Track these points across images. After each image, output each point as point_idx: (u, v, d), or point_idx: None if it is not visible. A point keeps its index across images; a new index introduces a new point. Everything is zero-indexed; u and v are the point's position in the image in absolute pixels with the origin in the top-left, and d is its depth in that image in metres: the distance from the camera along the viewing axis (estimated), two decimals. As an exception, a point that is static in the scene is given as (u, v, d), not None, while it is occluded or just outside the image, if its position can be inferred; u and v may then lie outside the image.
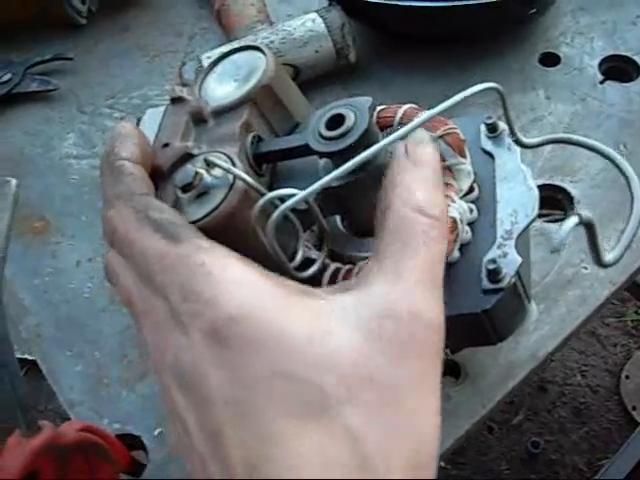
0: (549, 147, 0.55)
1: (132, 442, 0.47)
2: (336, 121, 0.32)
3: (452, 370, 0.46)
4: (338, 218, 0.37)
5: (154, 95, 0.66)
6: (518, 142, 0.35)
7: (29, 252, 0.57)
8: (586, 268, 0.49)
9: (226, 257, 0.27)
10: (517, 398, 1.31)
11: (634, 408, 1.27)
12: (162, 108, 0.37)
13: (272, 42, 0.58)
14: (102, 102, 0.66)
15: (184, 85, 0.58)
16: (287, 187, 0.30)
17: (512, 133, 0.35)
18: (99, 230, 0.57)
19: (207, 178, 0.30)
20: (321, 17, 0.59)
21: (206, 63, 0.58)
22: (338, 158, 0.32)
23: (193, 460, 0.26)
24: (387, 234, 0.28)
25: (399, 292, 0.26)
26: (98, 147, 0.63)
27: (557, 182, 0.53)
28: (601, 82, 0.59)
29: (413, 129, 0.31)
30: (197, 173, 0.30)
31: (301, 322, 0.25)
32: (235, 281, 0.26)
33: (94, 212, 0.58)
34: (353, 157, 0.30)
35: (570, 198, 0.53)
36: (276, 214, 0.28)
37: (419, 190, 0.29)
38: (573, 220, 0.26)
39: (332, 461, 0.23)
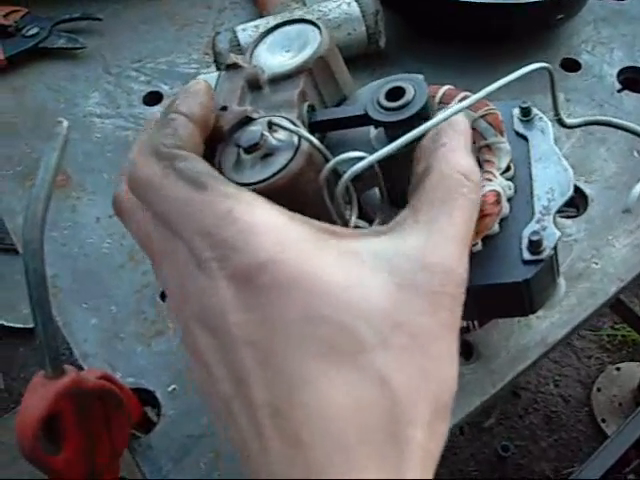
0: (567, 145, 0.57)
1: (145, 397, 0.47)
2: (396, 93, 0.33)
3: (465, 350, 0.47)
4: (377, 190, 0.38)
5: (181, 63, 0.66)
6: (560, 122, 0.37)
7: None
8: (596, 264, 0.51)
9: (253, 202, 0.26)
10: (489, 402, 1.33)
11: (603, 420, 1.30)
12: (215, 74, 0.37)
13: (306, 21, 0.59)
14: (128, 65, 0.66)
15: (217, 54, 0.59)
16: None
17: (556, 113, 0.37)
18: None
19: (272, 140, 0.31)
20: (356, 1, 0.60)
21: (241, 35, 0.58)
22: (395, 129, 0.33)
23: (217, 403, 0.26)
24: (427, 190, 0.28)
25: (434, 245, 0.26)
26: (122, 108, 0.63)
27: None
28: (619, 91, 0.61)
29: (467, 107, 0.32)
30: (263, 134, 0.31)
31: (333, 266, 0.25)
32: (264, 226, 0.25)
33: (116, 171, 0.59)
34: (410, 129, 0.31)
35: (585, 197, 0.55)
36: (347, 175, 0.29)
37: (462, 154, 0.30)
38: None
39: (362, 404, 0.24)
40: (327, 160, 0.31)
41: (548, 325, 0.48)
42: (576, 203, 0.55)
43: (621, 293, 0.51)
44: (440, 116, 0.31)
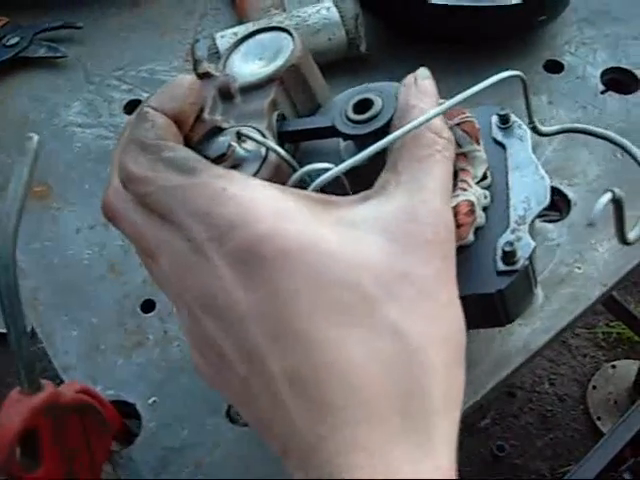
0: (549, 148, 0.57)
1: (126, 409, 0.47)
2: (364, 105, 0.33)
3: (446, 357, 0.47)
4: None
5: (162, 70, 0.66)
6: (535, 130, 0.37)
7: (29, 216, 0.56)
8: (579, 268, 0.51)
9: (246, 180, 0.27)
10: (485, 401, 1.33)
11: (599, 418, 1.30)
12: None
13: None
14: (109, 73, 0.66)
15: (196, 62, 0.58)
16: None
17: (530, 121, 0.36)
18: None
19: (240, 151, 0.31)
20: (336, 6, 0.60)
21: (220, 42, 0.58)
22: (363, 141, 0.32)
23: (233, 386, 0.26)
24: (404, 151, 0.30)
25: (420, 199, 0.28)
26: (103, 117, 0.63)
27: (555, 184, 0.55)
28: (602, 92, 0.61)
29: (436, 116, 0.32)
30: (230, 145, 0.31)
31: (329, 231, 0.26)
32: (260, 201, 0.26)
33: (97, 181, 0.58)
34: (378, 140, 0.31)
35: (567, 201, 0.54)
36: (311, 188, 0.29)
37: (422, 105, 0.31)
38: (607, 195, 0.28)
39: (380, 357, 0.24)
40: (295, 171, 0.31)
41: (530, 332, 0.48)
42: (559, 207, 0.55)
43: (604, 298, 0.51)
44: (407, 126, 0.31)
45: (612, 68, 0.62)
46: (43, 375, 0.40)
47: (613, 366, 1.36)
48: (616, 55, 0.63)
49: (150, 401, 0.47)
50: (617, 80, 0.62)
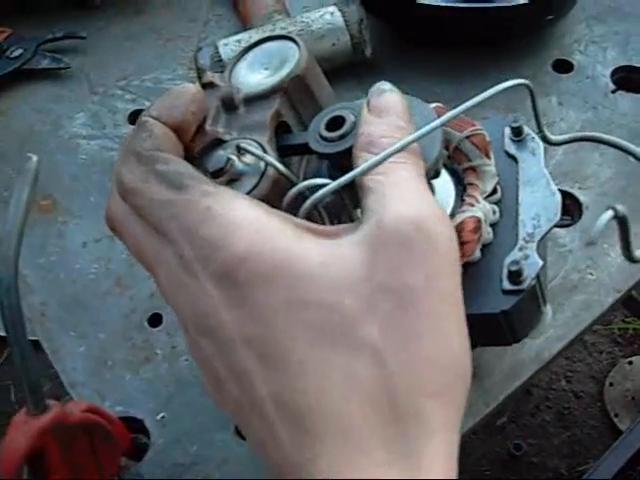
0: (560, 151, 0.56)
1: (134, 425, 0.47)
2: (337, 123, 0.32)
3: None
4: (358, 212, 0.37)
5: (166, 79, 0.65)
6: (545, 139, 0.36)
7: (35, 230, 0.56)
8: (592, 274, 0.50)
9: (232, 199, 0.26)
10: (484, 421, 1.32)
11: (616, 415, 1.28)
12: None
13: (289, 33, 0.58)
14: (113, 83, 0.66)
15: (199, 70, 0.58)
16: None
17: (540, 130, 0.35)
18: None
19: (238, 165, 0.30)
20: (340, 10, 0.59)
21: (222, 50, 0.57)
22: (337, 159, 0.32)
23: (229, 405, 0.26)
24: (363, 180, 0.27)
25: (388, 209, 0.26)
26: (108, 128, 0.62)
27: (566, 188, 0.54)
28: (613, 91, 0.60)
29: (438, 127, 0.31)
30: (229, 159, 0.30)
31: (311, 251, 0.25)
32: (242, 221, 0.25)
33: (102, 193, 0.58)
34: (350, 159, 0.30)
35: (579, 204, 0.53)
36: (308, 203, 0.28)
37: (378, 130, 0.29)
38: (609, 213, 0.27)
39: (359, 381, 0.24)
40: (294, 185, 0.30)
41: (543, 340, 0.47)
42: (570, 211, 0.54)
43: (618, 304, 0.50)
44: (407, 138, 0.30)
45: (622, 66, 0.61)
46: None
47: (630, 362, 1.34)
48: (626, 53, 0.62)
49: (159, 417, 0.47)
50: (628, 79, 0.61)
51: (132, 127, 0.62)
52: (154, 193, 0.27)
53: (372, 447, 0.23)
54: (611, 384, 1.32)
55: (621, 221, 0.28)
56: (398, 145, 0.29)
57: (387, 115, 0.29)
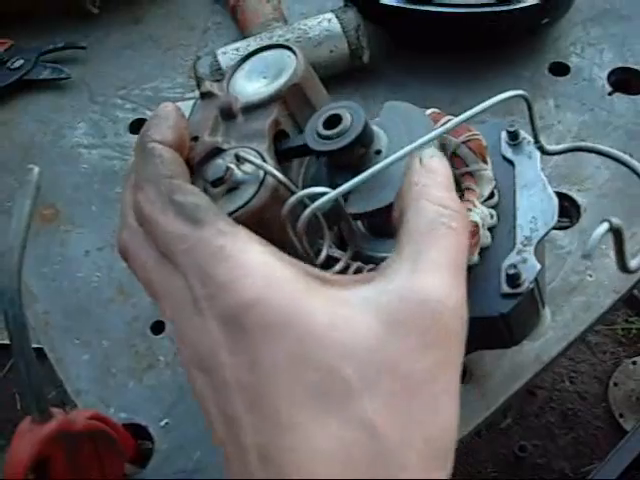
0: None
1: (138, 432, 0.47)
2: (333, 121, 0.32)
3: (458, 371, 0.47)
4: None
5: (166, 88, 0.66)
6: (541, 149, 0.36)
7: (38, 239, 0.57)
8: (591, 276, 0.50)
9: (247, 242, 0.26)
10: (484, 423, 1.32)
11: (621, 415, 1.28)
12: (191, 102, 0.37)
13: (287, 40, 0.58)
14: (114, 93, 0.66)
15: (198, 79, 0.58)
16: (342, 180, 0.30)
17: (536, 140, 0.36)
18: (109, 220, 0.58)
19: (237, 173, 0.31)
20: (337, 17, 0.59)
21: (221, 58, 0.58)
22: (336, 158, 0.32)
23: (216, 441, 0.26)
24: (407, 229, 0.28)
25: (417, 279, 0.26)
26: (109, 137, 0.63)
27: (564, 190, 0.54)
28: (610, 93, 0.60)
29: (441, 135, 0.31)
30: (228, 168, 0.31)
31: (320, 309, 0.25)
32: (253, 266, 0.25)
33: (104, 202, 0.58)
34: (350, 157, 0.31)
35: (577, 206, 0.54)
36: (307, 212, 0.29)
37: (436, 189, 0.29)
38: (604, 226, 0.27)
39: (349, 450, 0.23)
40: (293, 194, 0.31)
41: (542, 342, 0.47)
42: (568, 213, 0.54)
43: (617, 306, 0.50)
44: (408, 147, 0.31)
45: (619, 68, 0.61)
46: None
47: (634, 362, 1.34)
48: (623, 55, 0.62)
49: (162, 423, 0.47)
50: (625, 80, 0.61)
51: (133, 136, 0.63)
52: (171, 225, 0.27)
53: None
54: (615, 384, 1.32)
55: (616, 233, 0.28)
56: (399, 154, 0.29)
57: (437, 174, 0.30)
